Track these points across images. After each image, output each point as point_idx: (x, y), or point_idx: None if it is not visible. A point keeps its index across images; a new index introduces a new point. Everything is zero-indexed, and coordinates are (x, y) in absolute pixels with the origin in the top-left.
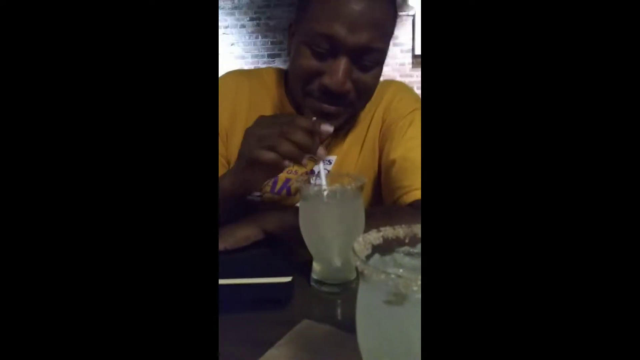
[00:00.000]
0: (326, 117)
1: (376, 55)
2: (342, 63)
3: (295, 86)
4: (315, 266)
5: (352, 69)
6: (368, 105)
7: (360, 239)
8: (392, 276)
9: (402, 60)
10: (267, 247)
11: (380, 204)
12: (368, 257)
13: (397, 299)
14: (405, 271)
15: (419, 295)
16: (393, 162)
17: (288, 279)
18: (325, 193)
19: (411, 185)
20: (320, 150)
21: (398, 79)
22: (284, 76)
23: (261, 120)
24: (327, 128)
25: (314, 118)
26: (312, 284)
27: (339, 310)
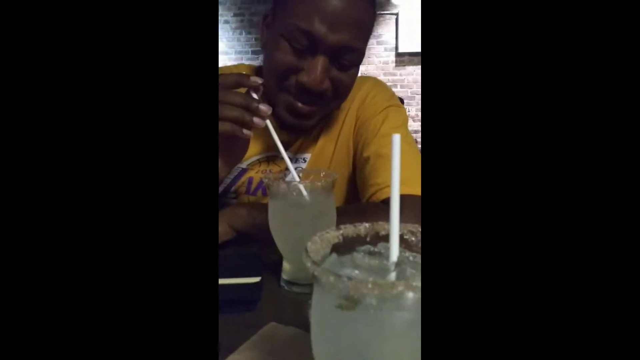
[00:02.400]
0: (300, 116)
1: (355, 54)
2: (321, 61)
3: (270, 81)
4: (286, 266)
5: (330, 68)
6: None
7: (317, 237)
8: (343, 279)
9: (385, 58)
10: (236, 246)
11: (357, 201)
12: (324, 257)
13: (349, 303)
14: (362, 273)
15: (372, 300)
16: (367, 159)
17: (256, 279)
18: (294, 190)
19: (385, 182)
20: (262, 107)
21: (381, 77)
22: (256, 73)
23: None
24: (265, 108)
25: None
26: (282, 284)
27: (310, 312)
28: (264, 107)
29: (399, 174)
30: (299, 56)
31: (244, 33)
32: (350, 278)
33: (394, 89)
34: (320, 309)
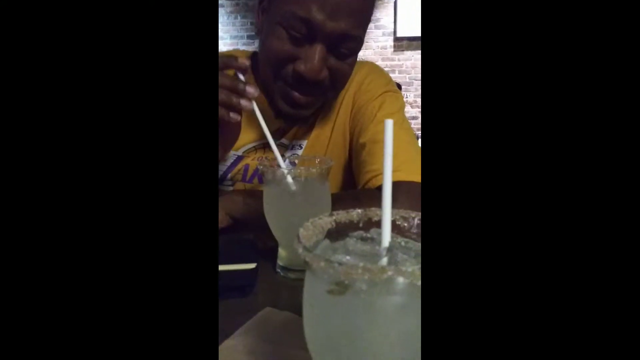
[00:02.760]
0: (297, 106)
1: (354, 43)
2: (319, 50)
3: (266, 69)
4: (281, 252)
5: (328, 57)
6: None
7: (309, 223)
8: (334, 264)
9: (383, 43)
10: (233, 233)
11: (353, 188)
12: (317, 243)
13: (339, 288)
14: (353, 258)
15: (362, 285)
16: (363, 145)
17: (252, 265)
18: (288, 176)
19: (380, 169)
20: (249, 89)
21: (379, 62)
22: (252, 59)
23: None
24: (252, 90)
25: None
26: (278, 270)
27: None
28: (250, 89)
29: (391, 159)
30: (296, 44)
31: (239, 17)
32: (340, 263)
33: (391, 75)
34: (311, 294)
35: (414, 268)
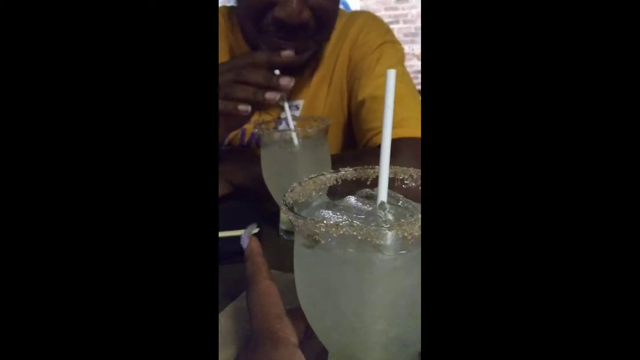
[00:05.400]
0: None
1: None
2: None
3: (247, 23)
4: (283, 216)
5: None
6: (333, 42)
7: (309, 179)
8: (299, 218)
9: None
10: (235, 200)
11: (354, 148)
12: (315, 199)
13: (310, 242)
14: (347, 215)
15: (331, 240)
16: (362, 102)
17: (255, 230)
18: (285, 138)
19: (381, 127)
20: (284, 81)
21: (382, 12)
22: (229, 14)
23: (218, 69)
24: (286, 82)
25: (276, 71)
26: (281, 234)
27: None
28: (285, 81)
29: (391, 113)
30: None
31: None
32: (308, 218)
33: (395, 25)
34: (295, 248)
35: (371, 226)
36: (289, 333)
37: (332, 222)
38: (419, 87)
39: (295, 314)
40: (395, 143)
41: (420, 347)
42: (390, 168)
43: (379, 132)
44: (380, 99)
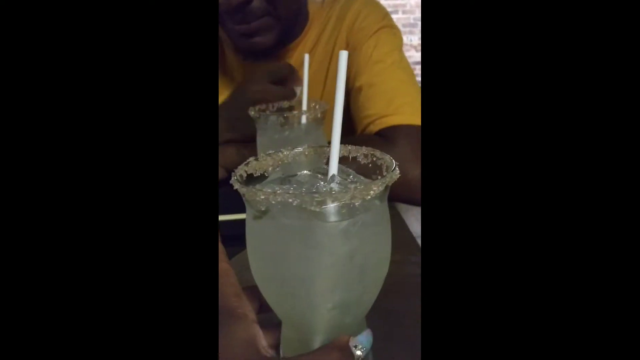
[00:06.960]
0: (245, 36)
1: None
2: None
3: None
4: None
5: None
6: (331, 26)
7: (266, 154)
8: (243, 189)
9: None
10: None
11: (351, 134)
12: (267, 174)
13: (258, 213)
14: (296, 187)
15: (275, 210)
16: (359, 89)
17: None
18: (280, 122)
19: (378, 114)
20: (297, 89)
21: (381, 2)
22: None
23: (252, 77)
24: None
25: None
26: None
27: None
28: (298, 89)
29: (342, 94)
30: None
31: None
32: (250, 187)
33: (394, 16)
34: (246, 222)
35: (306, 193)
36: (247, 310)
37: (269, 190)
38: (416, 78)
39: (253, 291)
40: (392, 130)
41: (366, 310)
42: (345, 146)
43: (376, 118)
44: (377, 86)
